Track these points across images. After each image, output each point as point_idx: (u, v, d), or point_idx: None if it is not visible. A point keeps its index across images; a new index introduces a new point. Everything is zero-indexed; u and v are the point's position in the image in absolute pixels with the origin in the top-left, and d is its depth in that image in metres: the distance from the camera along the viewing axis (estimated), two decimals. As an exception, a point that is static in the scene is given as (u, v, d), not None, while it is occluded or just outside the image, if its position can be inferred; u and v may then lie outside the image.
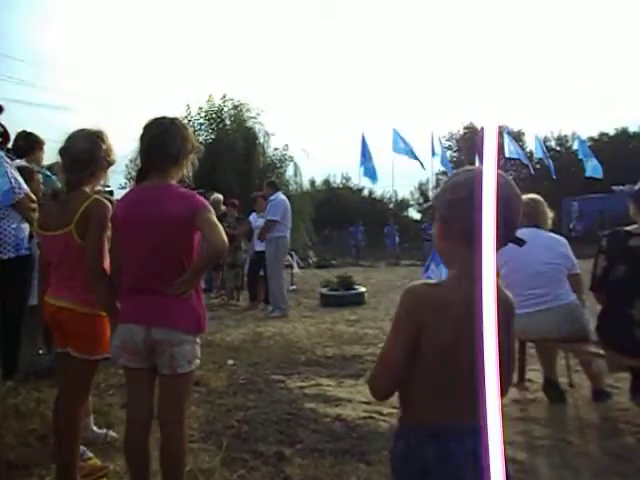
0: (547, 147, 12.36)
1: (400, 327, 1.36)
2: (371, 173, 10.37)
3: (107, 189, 3.95)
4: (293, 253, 12.29)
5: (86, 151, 2.42)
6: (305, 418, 3.44)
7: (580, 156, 10.80)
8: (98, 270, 2.31)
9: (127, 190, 2.62)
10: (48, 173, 4.42)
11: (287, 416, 3.46)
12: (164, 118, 2.29)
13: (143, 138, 2.26)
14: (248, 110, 18.25)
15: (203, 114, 18.08)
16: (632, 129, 35.68)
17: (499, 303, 1.20)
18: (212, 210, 2.20)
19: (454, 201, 1.34)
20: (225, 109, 18.21)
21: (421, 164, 17.20)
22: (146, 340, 2.12)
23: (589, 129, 42.81)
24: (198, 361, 2.22)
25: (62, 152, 2.46)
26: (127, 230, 2.20)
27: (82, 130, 2.48)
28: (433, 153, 11.05)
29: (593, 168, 10.84)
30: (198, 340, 2.22)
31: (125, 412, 2.38)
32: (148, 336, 2.12)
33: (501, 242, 1.34)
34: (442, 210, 1.38)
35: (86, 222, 2.34)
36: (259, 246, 8.40)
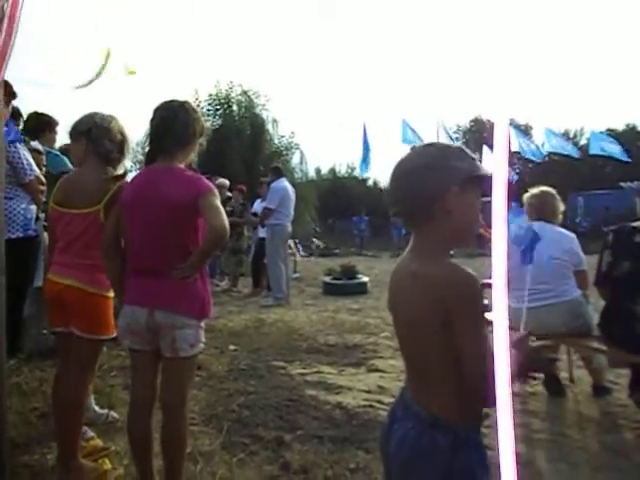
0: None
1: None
2: (362, 162, 10.32)
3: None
4: (296, 241, 12.27)
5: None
6: (305, 405, 3.46)
7: (595, 151, 10.65)
8: (119, 249, 2.32)
9: (134, 173, 2.63)
10: (58, 153, 4.42)
11: (287, 402, 3.48)
12: (174, 101, 2.29)
13: (152, 121, 2.27)
14: (256, 96, 18.19)
15: (210, 100, 18.01)
16: (640, 126, 35.43)
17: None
18: (217, 194, 2.19)
19: (395, 182, 1.34)
20: (233, 94, 18.14)
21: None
22: (149, 322, 2.13)
23: (597, 125, 42.49)
24: (202, 345, 2.22)
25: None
26: (133, 212, 2.20)
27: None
28: (439, 143, 11.12)
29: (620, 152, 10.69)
30: (202, 325, 2.22)
31: (128, 393, 2.40)
32: (151, 318, 2.13)
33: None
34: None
35: (113, 202, 2.36)
36: (262, 233, 8.36)
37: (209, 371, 4.11)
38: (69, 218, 2.44)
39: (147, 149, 2.32)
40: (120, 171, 2.55)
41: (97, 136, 2.49)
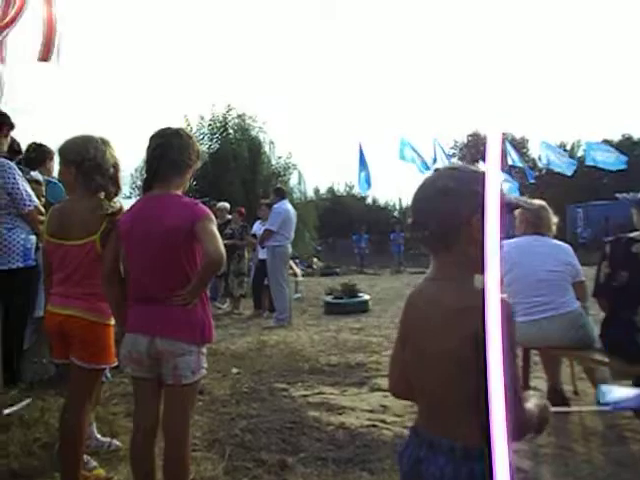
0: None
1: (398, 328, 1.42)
2: (363, 181, 10.40)
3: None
4: (297, 261, 12.28)
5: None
6: (308, 426, 3.44)
7: (591, 162, 10.67)
8: (120, 277, 2.33)
9: (133, 200, 2.65)
10: (57, 182, 4.47)
11: (290, 424, 3.46)
12: (169, 128, 2.33)
13: (148, 148, 2.30)
14: (252, 119, 18.33)
15: (207, 123, 18.15)
16: (636, 136, 35.63)
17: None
18: (213, 219, 2.21)
19: (416, 205, 1.33)
20: (229, 118, 18.29)
21: (426, 170, 17.21)
22: (150, 350, 2.14)
23: (593, 136, 42.77)
24: (204, 371, 2.23)
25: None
26: (132, 240, 2.23)
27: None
28: (435, 160, 11.12)
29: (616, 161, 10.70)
30: (204, 350, 2.22)
31: (130, 420, 2.39)
32: (152, 346, 2.14)
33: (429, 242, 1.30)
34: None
35: (109, 231, 2.37)
36: (263, 254, 8.37)
37: (211, 395, 4.10)
38: (65, 250, 2.43)
39: (144, 177, 2.36)
40: (116, 205, 2.51)
41: (88, 170, 2.45)
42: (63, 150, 2.54)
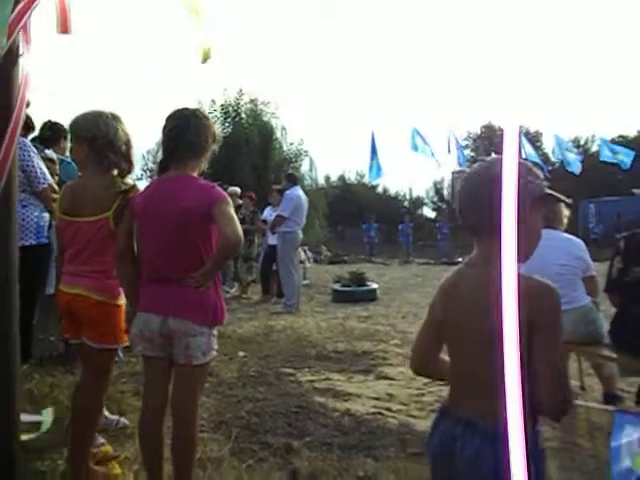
0: (566, 149, 12.22)
1: (429, 310, 1.47)
2: (375, 169, 10.36)
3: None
4: (306, 248, 12.29)
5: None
6: (314, 412, 3.46)
7: (605, 158, 10.60)
8: (133, 255, 2.33)
9: (144, 182, 2.63)
10: (70, 161, 4.48)
11: (296, 409, 3.48)
12: (186, 109, 2.32)
13: (164, 130, 2.28)
14: (264, 104, 18.27)
15: (219, 107, 18.11)
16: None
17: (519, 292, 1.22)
18: (230, 203, 2.21)
19: (462, 193, 1.39)
20: (242, 103, 18.23)
21: (437, 162, 17.10)
22: (163, 329, 2.15)
23: (608, 132, 42.30)
24: (215, 352, 2.24)
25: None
26: (146, 220, 2.23)
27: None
28: (449, 151, 11.06)
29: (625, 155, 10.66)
30: (215, 332, 2.24)
31: (138, 399, 2.41)
32: (165, 325, 2.15)
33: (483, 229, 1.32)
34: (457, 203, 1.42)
35: (123, 208, 2.35)
36: (272, 240, 8.38)
37: (218, 377, 4.12)
38: (77, 226, 2.40)
39: (160, 158, 2.35)
40: (129, 182, 2.47)
41: (100, 147, 2.40)
42: (74, 126, 2.48)
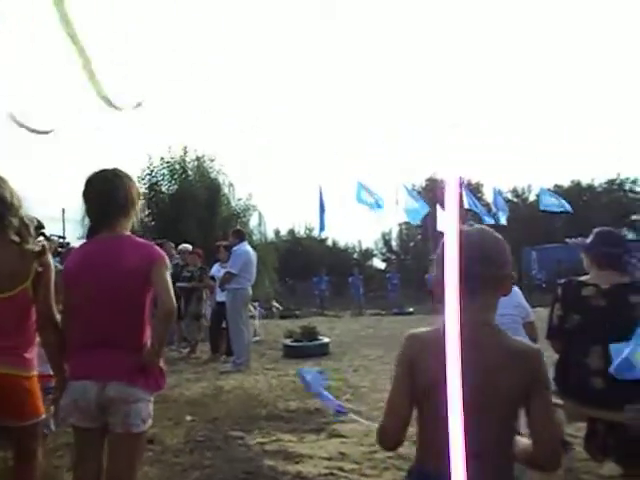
0: (504, 199, 12.79)
1: (398, 371, 1.43)
2: (323, 223, 10.57)
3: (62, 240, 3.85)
4: (256, 304, 12.13)
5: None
6: (263, 476, 3.33)
7: (544, 207, 11.17)
8: (55, 323, 2.21)
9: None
10: None
11: (245, 475, 3.34)
12: (105, 171, 2.24)
13: (89, 194, 2.20)
14: (211, 161, 18.33)
15: (165, 165, 18.03)
16: (585, 182, 37.26)
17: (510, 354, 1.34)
18: (168, 264, 2.19)
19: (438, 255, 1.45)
20: (188, 159, 18.24)
21: (383, 214, 17.45)
22: (100, 397, 2.04)
23: (544, 181, 44.49)
24: (151, 420, 2.15)
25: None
26: (80, 282, 2.14)
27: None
28: (396, 202, 11.36)
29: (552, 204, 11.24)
30: (151, 398, 2.15)
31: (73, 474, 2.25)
32: (102, 393, 2.04)
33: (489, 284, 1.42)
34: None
35: (40, 275, 2.19)
36: (221, 297, 8.24)
37: (163, 445, 3.92)
38: None
39: (89, 224, 2.24)
40: (38, 244, 2.26)
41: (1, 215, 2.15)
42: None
